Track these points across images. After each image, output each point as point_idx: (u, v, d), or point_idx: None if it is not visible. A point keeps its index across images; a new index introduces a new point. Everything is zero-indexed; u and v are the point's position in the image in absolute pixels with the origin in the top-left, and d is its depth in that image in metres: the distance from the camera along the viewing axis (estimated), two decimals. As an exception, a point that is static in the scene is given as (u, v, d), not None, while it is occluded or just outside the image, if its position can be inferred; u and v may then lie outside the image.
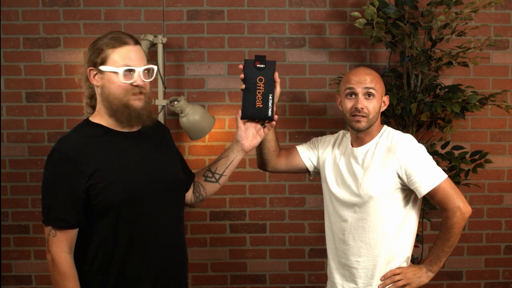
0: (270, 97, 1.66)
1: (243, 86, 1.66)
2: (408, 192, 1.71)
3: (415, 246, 2.13)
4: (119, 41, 1.50)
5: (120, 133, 1.56)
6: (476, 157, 2.46)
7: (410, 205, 1.73)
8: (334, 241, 1.82)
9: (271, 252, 2.77)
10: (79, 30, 2.62)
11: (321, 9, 2.66)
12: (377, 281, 1.73)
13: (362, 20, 2.30)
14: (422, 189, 1.64)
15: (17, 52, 2.63)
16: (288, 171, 1.98)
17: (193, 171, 1.84)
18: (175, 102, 2.43)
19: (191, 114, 2.45)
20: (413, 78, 2.41)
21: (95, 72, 1.52)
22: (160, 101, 2.51)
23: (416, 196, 1.72)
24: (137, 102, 1.52)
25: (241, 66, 1.67)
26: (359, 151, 1.76)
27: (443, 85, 2.47)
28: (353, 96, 1.72)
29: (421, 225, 2.59)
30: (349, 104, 1.73)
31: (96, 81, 1.53)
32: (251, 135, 1.73)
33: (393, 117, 2.44)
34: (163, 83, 2.55)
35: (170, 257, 1.62)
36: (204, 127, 2.48)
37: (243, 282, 2.78)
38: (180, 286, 1.69)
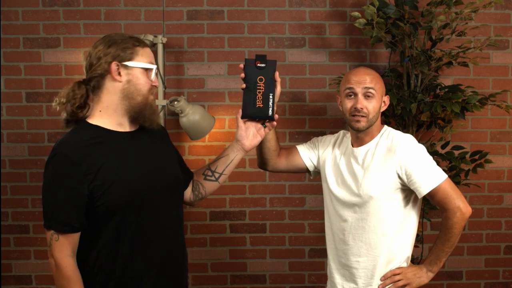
0: (271, 97, 1.66)
1: (244, 86, 1.66)
2: (408, 192, 1.71)
3: (415, 246, 2.13)
4: (143, 41, 1.57)
5: (118, 133, 1.55)
6: (476, 157, 2.46)
7: (410, 205, 1.73)
8: (334, 241, 1.82)
9: (271, 252, 2.77)
10: (79, 30, 2.62)
11: (321, 9, 2.66)
12: (377, 281, 1.73)
13: (362, 20, 2.30)
14: (422, 189, 1.64)
15: (17, 52, 2.63)
16: (288, 170, 1.98)
17: (192, 170, 1.84)
18: (175, 102, 2.43)
19: (191, 114, 2.45)
20: (413, 78, 2.41)
21: (117, 67, 1.51)
22: (160, 101, 2.51)
23: (416, 196, 1.72)
24: (152, 97, 1.59)
25: (241, 66, 1.67)
26: (359, 151, 1.76)
27: (443, 85, 2.47)
28: (353, 96, 1.72)
29: (421, 225, 2.59)
30: (349, 104, 1.73)
31: (119, 76, 1.51)
32: (251, 134, 1.73)
33: (393, 117, 2.44)
34: (163, 83, 2.55)
35: (171, 257, 1.62)
36: (204, 127, 2.48)
37: (243, 282, 2.78)
38: (181, 286, 1.69)
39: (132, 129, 1.59)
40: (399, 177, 1.67)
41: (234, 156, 1.76)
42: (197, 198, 1.81)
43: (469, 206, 1.67)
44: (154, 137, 1.66)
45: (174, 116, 2.66)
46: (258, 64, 1.66)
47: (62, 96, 1.55)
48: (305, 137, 2.68)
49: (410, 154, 1.67)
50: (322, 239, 2.76)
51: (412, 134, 2.41)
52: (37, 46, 2.63)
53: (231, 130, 2.68)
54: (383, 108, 1.77)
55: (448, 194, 1.65)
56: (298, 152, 1.94)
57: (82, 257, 1.51)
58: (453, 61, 2.40)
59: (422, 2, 2.51)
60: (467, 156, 2.46)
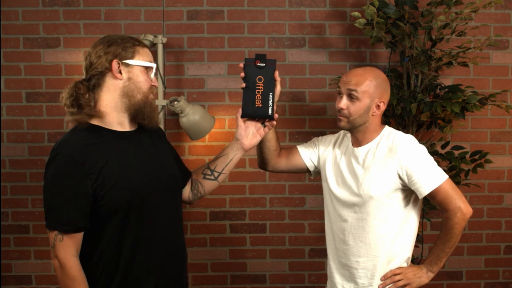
0: (270, 96, 1.66)
1: (244, 85, 1.66)
2: (408, 192, 1.71)
3: (415, 246, 2.13)
4: (141, 41, 1.58)
5: (118, 133, 1.56)
6: (476, 157, 2.46)
7: (410, 205, 1.73)
8: (334, 241, 1.82)
9: (271, 252, 2.77)
10: (79, 30, 2.62)
11: (321, 9, 2.66)
12: (377, 281, 1.73)
13: (362, 20, 2.30)
14: (423, 190, 1.64)
15: (17, 52, 2.63)
16: (289, 170, 1.98)
17: (192, 169, 1.85)
18: (175, 102, 2.43)
19: (191, 114, 2.45)
20: (413, 78, 2.41)
21: (118, 65, 1.52)
22: (160, 101, 2.51)
23: (416, 197, 1.72)
24: (153, 100, 1.60)
25: (241, 65, 1.67)
26: (360, 151, 1.76)
27: (443, 85, 2.47)
28: (340, 95, 1.74)
29: (421, 225, 2.59)
30: (336, 102, 1.76)
31: (120, 74, 1.52)
32: (251, 133, 1.73)
33: (393, 117, 2.44)
34: (163, 83, 2.55)
35: (172, 257, 1.63)
36: (204, 127, 2.48)
37: (243, 282, 2.78)
38: (181, 285, 1.70)
39: (132, 129, 1.60)
40: (399, 177, 1.67)
41: (234, 155, 1.76)
42: (196, 197, 1.81)
43: (469, 206, 1.66)
44: (152, 137, 1.66)
45: (174, 116, 2.66)
46: (258, 64, 1.66)
47: (67, 94, 1.54)
48: (305, 137, 2.68)
49: (411, 155, 1.66)
50: (322, 239, 2.76)
51: (412, 134, 2.41)
52: (37, 46, 2.63)
53: (231, 130, 2.68)
54: (376, 113, 1.73)
55: (449, 194, 1.65)
56: (298, 152, 1.93)
57: (85, 257, 1.51)
58: (453, 61, 2.40)
59: (422, 2, 2.51)
60: (467, 156, 2.46)
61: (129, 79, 1.53)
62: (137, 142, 1.59)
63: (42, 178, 2.64)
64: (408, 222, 1.74)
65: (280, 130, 2.67)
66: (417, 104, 2.33)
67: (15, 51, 2.63)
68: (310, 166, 1.93)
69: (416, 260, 2.49)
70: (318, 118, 2.71)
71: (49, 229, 1.48)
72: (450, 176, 2.43)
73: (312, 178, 2.04)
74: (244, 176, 2.73)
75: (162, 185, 1.59)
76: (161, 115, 2.53)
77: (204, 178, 1.79)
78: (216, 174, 1.78)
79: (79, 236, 1.49)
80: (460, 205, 1.64)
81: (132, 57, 1.53)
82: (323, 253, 2.76)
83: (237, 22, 2.65)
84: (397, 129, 2.12)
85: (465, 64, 2.44)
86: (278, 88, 1.69)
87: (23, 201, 2.69)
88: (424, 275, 1.73)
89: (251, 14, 2.65)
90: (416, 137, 2.18)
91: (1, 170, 2.67)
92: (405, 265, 1.76)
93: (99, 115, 1.54)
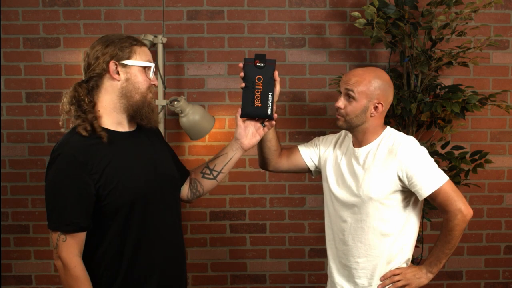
0: (270, 96, 1.66)
1: (243, 85, 1.66)
2: (408, 194, 1.71)
3: (415, 246, 2.13)
4: (139, 40, 1.57)
5: (118, 133, 1.56)
6: (476, 157, 2.46)
7: (410, 207, 1.72)
8: (335, 241, 1.81)
9: (271, 252, 2.77)
10: (79, 30, 2.62)
11: (321, 9, 2.66)
12: (376, 282, 1.73)
13: (362, 20, 2.30)
14: (423, 192, 1.64)
15: (17, 52, 2.63)
16: (290, 170, 1.98)
17: (191, 168, 1.85)
18: (175, 102, 2.43)
19: (191, 114, 2.45)
20: (413, 78, 2.41)
21: (116, 66, 1.52)
22: (160, 101, 2.51)
23: (416, 198, 1.71)
24: (152, 100, 1.59)
25: (241, 65, 1.67)
26: (361, 151, 1.75)
27: (443, 85, 2.47)
28: (340, 94, 1.74)
29: (421, 225, 2.59)
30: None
31: (118, 75, 1.52)
32: (250, 133, 1.74)
33: (393, 117, 2.44)
34: (163, 83, 2.55)
35: (172, 257, 1.63)
36: (204, 127, 2.48)
37: (243, 282, 2.78)
38: (182, 285, 1.70)
39: (131, 129, 1.60)
40: (400, 179, 1.67)
41: (233, 155, 1.76)
42: (195, 196, 1.81)
43: (470, 208, 1.66)
44: (150, 137, 1.67)
45: (174, 116, 2.66)
46: (257, 63, 1.66)
47: (67, 99, 1.54)
48: (305, 137, 2.68)
49: (411, 157, 1.66)
50: (322, 239, 2.76)
51: (412, 134, 2.41)
52: (37, 46, 2.63)
53: (231, 130, 2.68)
54: (374, 114, 1.71)
55: (449, 196, 1.64)
56: (299, 152, 1.93)
57: (87, 258, 1.51)
58: (453, 61, 2.40)
59: (422, 2, 2.51)
60: (467, 156, 2.46)
61: (127, 79, 1.53)
62: (137, 142, 1.60)
63: (42, 178, 2.64)
64: (408, 223, 1.73)
65: (280, 130, 2.67)
66: (417, 104, 2.33)
67: (15, 51, 2.63)
68: (311, 165, 1.93)
69: (416, 260, 2.49)
70: (318, 118, 2.71)
71: (51, 229, 1.48)
72: (450, 176, 2.44)
73: (313, 177, 2.04)
74: (244, 176, 2.73)
75: (162, 185, 1.60)
76: (161, 115, 2.53)
77: (203, 177, 1.79)
78: (215, 173, 1.78)
79: (82, 236, 1.49)
80: (461, 207, 1.64)
81: (129, 57, 1.52)
82: (323, 253, 2.76)
83: (237, 22, 2.65)
84: (397, 129, 2.12)
85: (465, 64, 2.44)
86: (277, 88, 1.69)
87: (23, 201, 2.69)
88: (424, 276, 1.73)
89: (251, 14, 2.65)
90: (416, 137, 2.18)
91: (1, 170, 2.67)
92: (404, 266, 1.76)
93: (98, 115, 1.54)
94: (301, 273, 2.78)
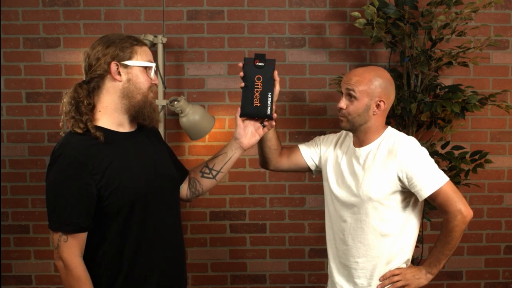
0: (269, 96, 1.66)
1: (243, 84, 1.67)
2: (408, 194, 1.71)
3: (415, 246, 2.13)
4: (139, 40, 1.57)
5: (119, 133, 1.56)
6: (476, 157, 2.46)
7: (410, 207, 1.72)
8: (335, 241, 1.81)
9: (271, 252, 2.77)
10: (79, 30, 2.62)
11: (321, 9, 2.66)
12: (376, 282, 1.73)
13: (362, 20, 2.30)
14: (423, 193, 1.64)
15: (17, 52, 2.63)
16: (290, 169, 1.97)
17: (190, 167, 1.85)
18: (175, 102, 2.43)
19: (191, 114, 2.45)
20: (413, 78, 2.41)
21: (117, 67, 1.51)
22: (160, 101, 2.51)
23: (416, 199, 1.71)
24: (153, 100, 1.60)
25: (240, 64, 1.67)
26: (361, 151, 1.75)
27: (443, 85, 2.47)
28: (342, 95, 1.74)
29: (421, 225, 2.58)
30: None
31: (119, 76, 1.52)
32: (249, 133, 1.74)
33: (393, 117, 2.44)
34: (163, 83, 2.55)
35: (172, 257, 1.63)
36: (204, 127, 2.48)
37: (243, 282, 2.78)
38: (182, 286, 1.70)
39: (132, 130, 1.60)
40: (399, 179, 1.66)
41: (232, 154, 1.76)
42: (194, 195, 1.81)
43: (470, 209, 1.66)
44: (150, 137, 1.67)
45: (174, 116, 2.66)
46: (257, 63, 1.66)
47: (67, 99, 1.54)
48: (305, 137, 2.68)
49: (411, 157, 1.65)
50: (322, 239, 2.76)
51: (412, 134, 2.41)
52: (37, 46, 2.63)
53: (231, 130, 2.68)
54: (377, 112, 1.71)
55: (449, 197, 1.64)
56: (300, 151, 1.93)
57: (88, 258, 1.51)
58: (453, 61, 2.40)
59: (422, 2, 2.51)
60: (467, 156, 2.46)
61: (129, 80, 1.53)
62: (137, 142, 1.60)
63: (42, 178, 2.65)
64: (408, 224, 1.73)
65: (280, 130, 2.67)
66: (417, 104, 2.33)
67: (15, 51, 2.63)
68: (311, 165, 1.93)
69: (416, 260, 2.49)
70: (318, 118, 2.71)
71: (52, 230, 1.48)
72: (450, 177, 2.44)
73: (313, 177, 2.03)
74: (244, 176, 2.73)
75: (162, 185, 1.60)
76: (161, 115, 2.53)
77: (202, 176, 1.79)
78: (214, 172, 1.78)
79: (83, 236, 1.49)
80: (461, 208, 1.63)
81: (130, 58, 1.52)
82: (323, 253, 2.76)
83: (237, 22, 2.65)
84: (397, 129, 2.12)
85: (465, 64, 2.44)
86: (277, 88, 1.69)
87: (23, 201, 2.69)
88: (423, 276, 1.73)
89: (251, 14, 2.65)
90: (416, 137, 2.18)
91: (1, 170, 2.67)
92: (404, 266, 1.76)
93: (99, 116, 1.54)
94: (301, 273, 2.78)
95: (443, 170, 2.48)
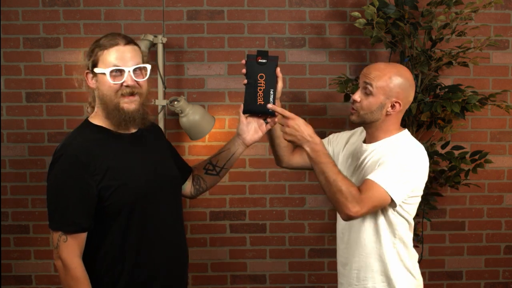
0: (272, 92, 1.66)
1: (245, 81, 1.67)
2: None
3: (415, 246, 2.13)
4: (109, 42, 1.51)
5: (119, 134, 1.57)
6: (476, 157, 2.46)
7: (401, 208, 1.65)
8: (338, 239, 1.81)
9: (271, 252, 2.76)
10: (79, 30, 2.62)
11: (321, 9, 2.66)
12: (372, 284, 1.69)
13: (362, 20, 2.30)
14: (368, 176, 1.57)
15: (17, 52, 2.63)
16: (303, 167, 1.93)
17: (194, 164, 1.86)
18: (175, 102, 2.43)
19: (191, 114, 2.45)
20: (413, 78, 2.41)
21: (90, 75, 1.54)
22: (160, 101, 2.51)
23: (408, 199, 1.64)
24: (128, 105, 1.51)
25: (243, 61, 1.68)
26: (368, 147, 1.70)
27: (443, 85, 2.47)
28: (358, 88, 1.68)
29: (421, 225, 2.59)
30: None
31: (92, 83, 1.54)
32: (253, 129, 1.74)
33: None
34: (163, 83, 2.55)
35: (173, 257, 1.63)
36: (204, 127, 2.48)
37: (243, 282, 2.77)
38: (182, 285, 1.70)
39: (132, 131, 1.60)
40: None
41: (235, 150, 1.77)
42: (198, 192, 1.82)
43: (356, 215, 1.53)
44: (151, 137, 1.68)
45: (174, 116, 2.66)
46: (260, 60, 1.66)
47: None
48: (305, 137, 2.68)
49: (394, 152, 1.58)
50: (322, 239, 2.76)
51: (412, 134, 2.40)
52: (37, 46, 2.63)
53: (231, 130, 2.68)
54: (391, 112, 1.63)
55: (371, 194, 1.53)
56: None
57: (88, 259, 1.51)
58: (453, 61, 2.40)
59: (422, 2, 2.51)
60: (467, 156, 2.46)
61: (98, 88, 1.53)
62: (137, 142, 1.60)
63: (42, 178, 2.65)
64: (400, 225, 1.66)
65: (280, 130, 2.67)
66: (417, 104, 2.33)
67: (15, 51, 2.62)
68: None
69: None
70: (318, 118, 2.71)
71: (53, 229, 1.48)
72: (450, 176, 2.45)
73: None
74: (244, 176, 2.73)
75: (162, 185, 1.60)
76: (161, 115, 2.53)
77: (206, 173, 1.80)
78: (218, 169, 1.79)
79: (83, 236, 1.49)
80: (358, 208, 1.51)
81: (96, 65, 1.51)
82: (323, 253, 2.76)
83: (237, 22, 2.65)
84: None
85: (465, 64, 2.44)
86: (280, 85, 1.68)
87: (23, 201, 2.69)
88: (306, 142, 1.58)
89: (251, 14, 2.65)
90: (416, 137, 2.17)
91: (1, 170, 2.67)
92: (401, 268, 1.69)
93: (99, 116, 1.57)
94: (301, 273, 2.78)
95: (442, 170, 2.50)
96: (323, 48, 2.68)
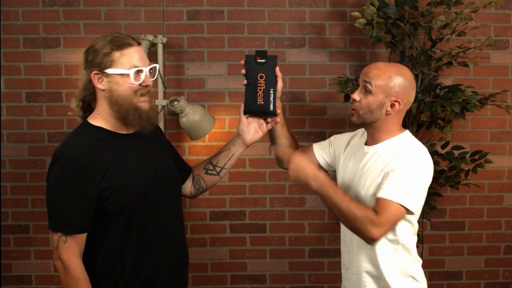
0: (272, 92, 1.66)
1: (245, 82, 1.67)
2: None
3: (416, 246, 2.13)
4: (123, 43, 1.50)
5: (120, 135, 1.57)
6: (476, 157, 2.46)
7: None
8: (342, 242, 1.80)
9: (271, 252, 2.76)
10: (79, 30, 2.62)
11: (321, 9, 2.66)
12: (370, 286, 1.68)
13: (362, 20, 2.30)
14: (380, 192, 1.55)
15: (17, 52, 2.63)
16: None
17: (194, 164, 1.86)
18: (175, 102, 2.43)
19: (191, 114, 2.45)
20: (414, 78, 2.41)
21: (99, 76, 1.50)
22: (160, 101, 2.51)
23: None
24: (144, 104, 1.54)
25: (242, 62, 1.68)
26: (369, 150, 1.68)
27: (443, 85, 2.47)
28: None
29: (421, 225, 2.59)
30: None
31: (101, 84, 1.51)
32: (253, 129, 1.74)
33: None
34: (163, 83, 2.55)
35: (173, 257, 1.63)
36: (204, 127, 2.48)
37: (243, 282, 2.78)
38: (183, 285, 1.70)
39: (132, 131, 1.60)
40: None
41: (235, 150, 1.77)
42: (198, 192, 1.82)
43: (380, 238, 1.51)
44: (151, 137, 1.67)
45: (174, 116, 2.66)
46: (258, 60, 1.66)
47: (79, 95, 1.58)
48: (305, 137, 2.68)
49: (402, 162, 1.56)
50: (322, 239, 2.76)
51: (412, 134, 2.40)
52: (37, 46, 2.63)
53: (231, 130, 2.68)
54: (390, 111, 1.61)
55: (388, 212, 1.51)
56: (313, 150, 1.89)
57: (88, 260, 1.52)
58: (453, 61, 2.40)
59: (422, 2, 2.51)
60: (467, 156, 2.46)
61: (110, 89, 1.51)
62: (137, 143, 1.60)
63: (42, 178, 2.65)
64: (402, 230, 1.65)
65: (280, 130, 2.67)
66: (417, 104, 2.33)
67: (15, 51, 2.62)
68: (324, 164, 1.88)
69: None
70: (318, 118, 2.71)
71: (52, 230, 1.49)
72: (450, 176, 2.45)
73: (332, 176, 1.95)
74: (244, 176, 2.73)
75: (162, 185, 1.60)
76: (161, 115, 2.53)
77: (206, 173, 1.80)
78: (218, 169, 1.79)
79: (83, 237, 1.49)
80: (379, 229, 1.49)
81: (110, 66, 1.49)
82: (323, 253, 2.76)
83: (237, 22, 2.65)
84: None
85: (465, 64, 2.44)
86: (279, 84, 1.68)
87: (23, 201, 2.69)
88: (310, 180, 1.56)
89: (251, 14, 2.65)
90: (416, 137, 2.16)
91: (1, 170, 2.67)
92: (403, 275, 1.67)
93: (99, 117, 1.56)
94: (301, 273, 2.78)
95: (442, 170, 2.50)
96: (323, 48, 2.68)
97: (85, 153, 1.47)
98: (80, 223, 1.47)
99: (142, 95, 1.53)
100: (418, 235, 2.49)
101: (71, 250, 1.47)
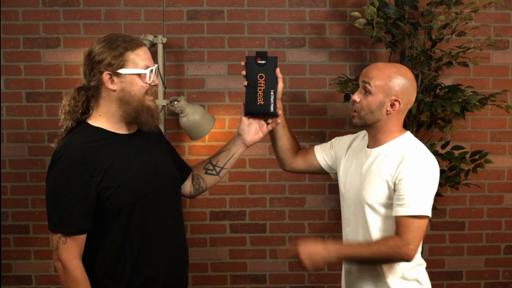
0: (272, 93, 1.66)
1: (246, 83, 1.67)
2: None
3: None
4: (135, 43, 1.51)
5: (120, 135, 1.56)
6: (476, 157, 2.46)
7: None
8: (344, 242, 1.79)
9: (271, 252, 2.76)
10: (79, 30, 2.62)
11: (321, 9, 2.66)
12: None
13: (362, 20, 2.30)
14: (399, 209, 1.54)
15: (17, 52, 2.63)
16: (307, 171, 1.92)
17: (193, 164, 1.86)
18: (175, 102, 2.43)
19: (191, 114, 2.45)
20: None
21: (109, 76, 1.49)
22: (160, 101, 2.51)
23: None
24: (152, 103, 1.56)
25: (243, 63, 1.68)
26: (372, 152, 1.67)
27: (443, 85, 2.47)
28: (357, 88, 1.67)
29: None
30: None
31: (113, 85, 1.50)
32: (253, 129, 1.74)
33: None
34: (163, 83, 2.55)
35: (173, 257, 1.63)
36: (204, 127, 2.48)
37: (243, 282, 2.78)
38: (183, 285, 1.70)
39: (132, 131, 1.60)
40: (392, 188, 1.58)
41: (236, 151, 1.77)
42: (198, 192, 1.82)
43: (415, 255, 1.54)
44: (150, 137, 1.67)
45: (174, 116, 2.66)
46: (259, 61, 1.66)
47: (65, 105, 1.55)
48: (305, 137, 2.68)
49: (412, 168, 1.55)
50: (322, 239, 2.75)
51: (412, 134, 2.40)
52: (37, 46, 2.63)
53: (231, 130, 2.68)
54: (391, 111, 1.60)
55: (414, 229, 1.53)
56: (314, 152, 1.88)
57: (88, 260, 1.51)
58: (453, 61, 2.40)
59: (422, 2, 2.51)
60: (467, 156, 2.46)
61: (123, 89, 1.50)
62: (137, 143, 1.60)
63: (42, 178, 2.64)
64: None
65: (280, 130, 2.67)
66: (417, 104, 2.33)
67: (15, 51, 2.63)
68: (325, 166, 1.87)
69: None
70: (318, 118, 2.71)
71: (52, 231, 1.48)
72: (450, 176, 2.45)
73: (333, 179, 1.92)
74: (244, 176, 2.73)
75: (162, 185, 1.60)
76: (161, 115, 2.53)
77: (206, 173, 1.80)
78: (218, 169, 1.79)
79: (83, 238, 1.49)
80: (412, 244, 1.52)
81: (123, 66, 1.49)
82: (323, 253, 2.76)
83: (237, 22, 2.65)
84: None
85: (465, 64, 2.44)
86: (280, 85, 1.68)
87: (23, 201, 2.69)
88: (323, 254, 1.55)
89: (251, 14, 2.65)
90: (416, 137, 2.17)
91: (1, 170, 2.67)
92: (405, 279, 1.66)
93: (99, 118, 1.55)
94: (301, 273, 2.78)
95: (442, 170, 2.49)
96: (323, 48, 2.68)
97: (85, 153, 1.46)
98: (79, 224, 1.46)
99: (151, 94, 1.55)
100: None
101: (70, 251, 1.46)
